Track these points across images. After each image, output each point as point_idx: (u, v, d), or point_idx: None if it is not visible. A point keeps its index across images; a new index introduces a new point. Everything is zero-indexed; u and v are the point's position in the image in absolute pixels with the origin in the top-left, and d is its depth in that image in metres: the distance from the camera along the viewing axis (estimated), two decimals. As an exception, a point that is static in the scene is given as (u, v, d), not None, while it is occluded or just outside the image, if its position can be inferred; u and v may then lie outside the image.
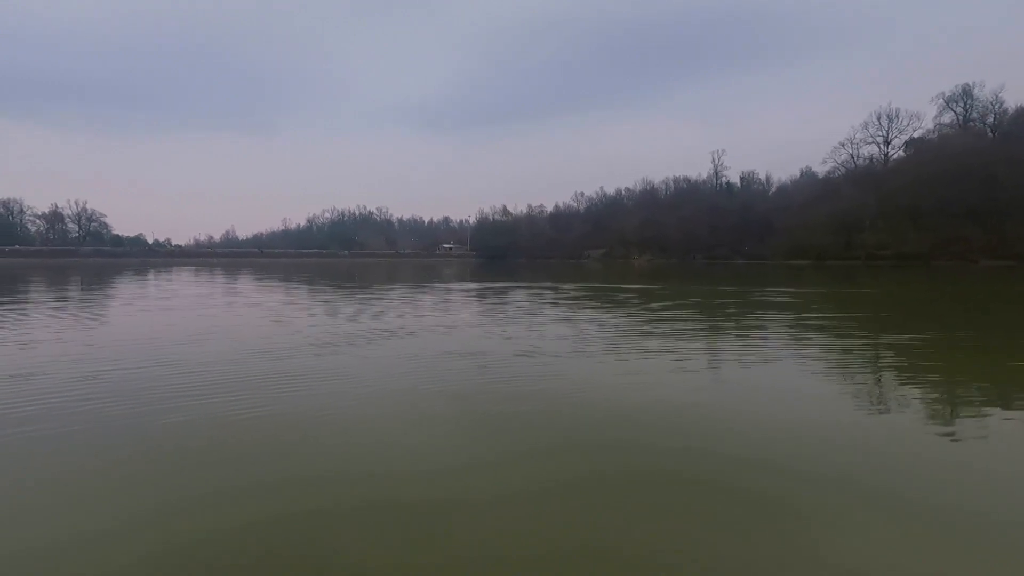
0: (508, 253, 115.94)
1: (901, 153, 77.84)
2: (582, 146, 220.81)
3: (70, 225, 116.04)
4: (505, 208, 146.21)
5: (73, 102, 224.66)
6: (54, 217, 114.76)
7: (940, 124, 76.63)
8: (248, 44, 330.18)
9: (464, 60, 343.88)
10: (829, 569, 2.68)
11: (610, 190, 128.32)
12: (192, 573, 2.67)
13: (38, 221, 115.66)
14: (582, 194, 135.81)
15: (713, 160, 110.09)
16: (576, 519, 3.20)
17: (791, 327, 11.80)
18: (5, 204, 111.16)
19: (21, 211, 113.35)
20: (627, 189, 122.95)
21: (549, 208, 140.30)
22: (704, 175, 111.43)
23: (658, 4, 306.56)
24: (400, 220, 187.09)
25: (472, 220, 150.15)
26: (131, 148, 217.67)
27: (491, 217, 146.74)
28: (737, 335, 10.53)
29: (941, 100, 75.68)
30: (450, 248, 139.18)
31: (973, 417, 5.32)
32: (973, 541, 2.95)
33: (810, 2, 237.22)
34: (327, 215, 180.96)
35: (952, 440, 4.65)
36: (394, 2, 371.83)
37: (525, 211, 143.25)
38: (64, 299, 19.26)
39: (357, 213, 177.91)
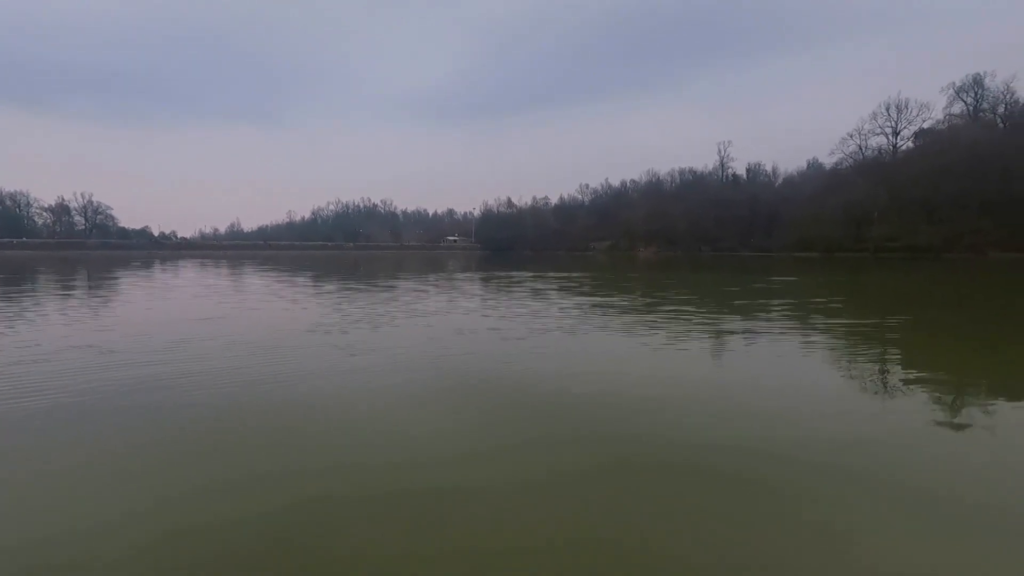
0: (513, 245, 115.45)
1: (910, 144, 76.77)
2: (587, 137, 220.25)
3: (76, 218, 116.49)
4: (510, 200, 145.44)
5: (79, 93, 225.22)
6: (60, 210, 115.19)
7: (950, 115, 75.54)
8: (255, 37, 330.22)
9: (469, 50, 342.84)
10: (839, 562, 2.60)
11: (615, 182, 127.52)
12: (202, 560, 2.60)
13: (45, 214, 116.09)
14: (587, 186, 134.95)
15: (719, 152, 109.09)
16: (584, 509, 3.11)
17: (798, 315, 11.61)
18: (12, 197, 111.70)
19: (28, 204, 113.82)
20: (632, 181, 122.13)
21: (554, 200, 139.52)
22: (710, 167, 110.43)
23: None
24: (404, 212, 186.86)
25: (477, 212, 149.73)
26: (136, 140, 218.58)
27: (496, 209, 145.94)
28: (743, 323, 10.34)
29: (951, 90, 74.66)
30: (455, 240, 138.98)
31: (983, 407, 5.21)
32: (981, 533, 2.86)
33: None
34: (331, 208, 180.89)
35: (961, 430, 4.53)
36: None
37: (530, 203, 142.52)
38: (72, 289, 19.28)
39: (362, 206, 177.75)
